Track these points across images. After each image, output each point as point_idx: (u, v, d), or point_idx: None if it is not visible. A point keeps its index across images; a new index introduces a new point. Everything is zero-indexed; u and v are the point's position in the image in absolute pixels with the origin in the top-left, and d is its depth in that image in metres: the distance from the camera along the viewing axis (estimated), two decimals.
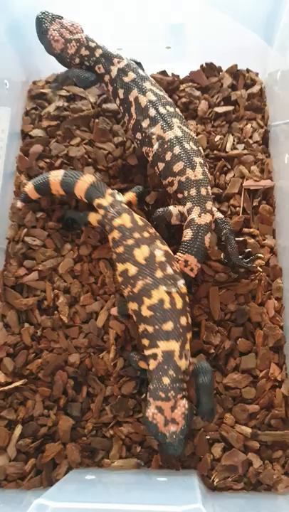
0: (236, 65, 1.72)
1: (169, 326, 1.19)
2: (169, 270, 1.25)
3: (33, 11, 1.53)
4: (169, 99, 1.50)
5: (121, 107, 1.53)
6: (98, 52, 1.52)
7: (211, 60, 1.73)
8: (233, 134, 1.62)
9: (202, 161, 1.41)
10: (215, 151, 1.58)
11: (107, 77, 1.53)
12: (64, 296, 1.45)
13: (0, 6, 1.63)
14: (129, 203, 1.43)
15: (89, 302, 1.45)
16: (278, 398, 1.33)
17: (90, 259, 1.50)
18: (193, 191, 1.38)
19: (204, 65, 1.73)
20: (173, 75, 1.73)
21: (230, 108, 1.65)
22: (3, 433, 1.33)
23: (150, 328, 1.21)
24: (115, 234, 1.33)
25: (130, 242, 1.29)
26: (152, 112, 1.43)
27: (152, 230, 1.34)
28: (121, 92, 1.49)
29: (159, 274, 1.24)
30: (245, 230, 1.49)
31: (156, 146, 1.42)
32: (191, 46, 1.75)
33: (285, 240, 1.46)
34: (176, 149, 1.39)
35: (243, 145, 1.60)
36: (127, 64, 1.50)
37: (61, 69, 1.62)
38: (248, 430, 1.30)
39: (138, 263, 1.26)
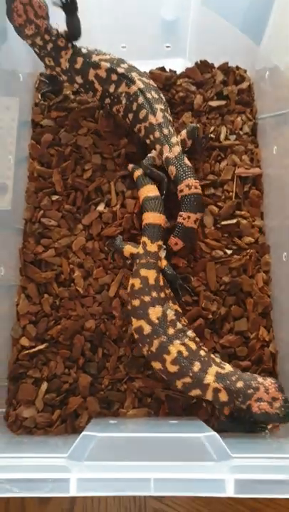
0: (227, 63, 1.90)
1: (197, 366, 1.37)
2: (179, 325, 1.44)
3: None
4: (118, 58, 1.67)
5: (82, 89, 1.70)
6: (49, 46, 1.60)
7: (205, 58, 1.90)
8: (225, 126, 1.80)
9: (163, 107, 1.63)
10: (210, 142, 1.77)
11: (58, 69, 1.66)
12: (79, 271, 1.64)
13: None
14: None
15: (101, 275, 1.64)
16: (266, 355, 1.55)
17: (99, 237, 1.68)
18: (157, 134, 1.61)
19: (199, 62, 1.90)
20: (170, 70, 1.91)
21: (222, 102, 1.83)
22: (31, 389, 1.53)
23: (187, 380, 1.38)
24: (136, 282, 1.48)
25: (147, 299, 1.45)
26: (114, 77, 1.63)
27: (168, 291, 1.50)
28: (79, 78, 1.66)
29: (171, 331, 1.42)
30: (238, 212, 1.69)
31: (124, 101, 1.64)
32: (186, 44, 1.92)
33: (272, 221, 1.68)
34: (140, 99, 1.62)
35: (234, 136, 1.79)
36: (72, 52, 1.63)
37: None
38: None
39: (152, 322, 1.42)
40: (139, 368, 1.55)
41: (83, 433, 1.09)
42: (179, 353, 1.39)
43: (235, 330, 1.58)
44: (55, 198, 1.72)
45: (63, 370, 1.55)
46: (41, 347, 1.57)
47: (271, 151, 1.69)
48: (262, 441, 1.39)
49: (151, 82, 1.68)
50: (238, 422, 1.39)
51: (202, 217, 1.65)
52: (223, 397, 1.35)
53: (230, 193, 1.71)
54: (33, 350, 1.57)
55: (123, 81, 1.63)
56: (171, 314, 1.45)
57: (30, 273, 1.64)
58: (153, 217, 1.58)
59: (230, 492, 0.91)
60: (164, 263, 1.55)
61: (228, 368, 1.39)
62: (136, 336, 1.47)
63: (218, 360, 1.42)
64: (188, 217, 1.55)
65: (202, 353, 1.41)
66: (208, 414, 1.50)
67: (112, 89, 1.65)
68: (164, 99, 1.69)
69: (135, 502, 1.44)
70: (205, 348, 1.45)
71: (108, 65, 1.63)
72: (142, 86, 1.62)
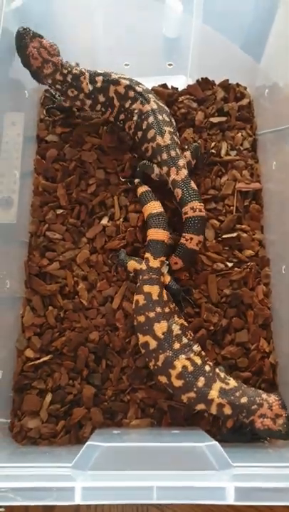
0: (228, 80, 1.94)
1: (201, 381, 1.40)
2: (184, 340, 1.46)
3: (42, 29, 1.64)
4: (135, 80, 1.73)
5: (103, 108, 1.74)
6: (69, 77, 1.66)
7: (206, 75, 1.95)
8: (226, 142, 1.84)
9: (172, 130, 1.67)
10: (211, 157, 1.80)
11: (82, 96, 1.71)
12: (83, 283, 1.67)
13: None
14: None
15: (105, 288, 1.66)
16: (267, 366, 1.58)
17: (103, 250, 1.71)
18: (164, 155, 1.64)
19: (200, 79, 1.95)
20: (172, 87, 1.95)
21: (223, 119, 1.87)
22: (35, 400, 1.55)
23: (192, 394, 1.40)
24: (140, 298, 1.51)
25: (152, 314, 1.47)
26: (131, 93, 1.68)
27: (173, 305, 1.52)
28: (101, 96, 1.71)
29: (176, 345, 1.44)
30: (238, 226, 1.72)
31: (135, 117, 1.68)
32: (188, 62, 1.96)
33: (272, 235, 1.71)
34: (150, 119, 1.65)
35: (235, 151, 1.83)
36: (90, 74, 1.69)
37: None
38: None
39: (157, 337, 1.45)
40: (142, 379, 1.57)
41: (88, 443, 1.12)
42: (184, 367, 1.41)
43: (236, 341, 1.61)
44: (59, 211, 1.75)
45: (67, 382, 1.58)
46: (46, 358, 1.60)
47: (271, 166, 1.73)
48: (262, 450, 1.42)
49: (166, 107, 1.73)
50: (240, 433, 1.41)
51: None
52: (228, 410, 1.38)
53: (231, 207, 1.75)
54: (38, 361, 1.59)
55: (139, 99, 1.68)
56: (176, 329, 1.47)
57: (35, 285, 1.67)
58: (156, 234, 1.61)
59: (230, 500, 0.93)
60: (167, 278, 1.58)
61: (232, 383, 1.42)
62: (142, 351, 1.50)
63: (222, 375, 1.44)
64: (191, 238, 1.59)
65: (207, 368, 1.43)
66: (210, 425, 1.52)
67: (127, 104, 1.70)
68: (175, 124, 1.74)
69: (137, 510, 1.46)
70: (210, 363, 1.47)
71: (127, 82, 1.69)
72: (155, 107, 1.67)
